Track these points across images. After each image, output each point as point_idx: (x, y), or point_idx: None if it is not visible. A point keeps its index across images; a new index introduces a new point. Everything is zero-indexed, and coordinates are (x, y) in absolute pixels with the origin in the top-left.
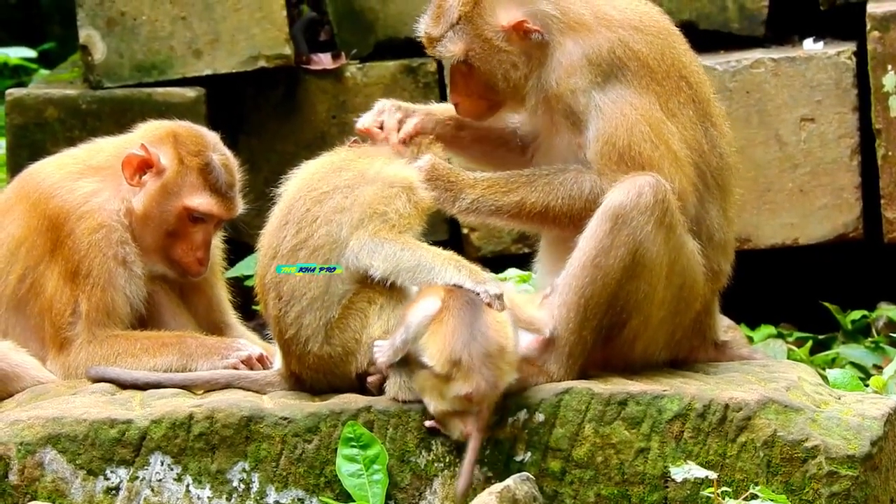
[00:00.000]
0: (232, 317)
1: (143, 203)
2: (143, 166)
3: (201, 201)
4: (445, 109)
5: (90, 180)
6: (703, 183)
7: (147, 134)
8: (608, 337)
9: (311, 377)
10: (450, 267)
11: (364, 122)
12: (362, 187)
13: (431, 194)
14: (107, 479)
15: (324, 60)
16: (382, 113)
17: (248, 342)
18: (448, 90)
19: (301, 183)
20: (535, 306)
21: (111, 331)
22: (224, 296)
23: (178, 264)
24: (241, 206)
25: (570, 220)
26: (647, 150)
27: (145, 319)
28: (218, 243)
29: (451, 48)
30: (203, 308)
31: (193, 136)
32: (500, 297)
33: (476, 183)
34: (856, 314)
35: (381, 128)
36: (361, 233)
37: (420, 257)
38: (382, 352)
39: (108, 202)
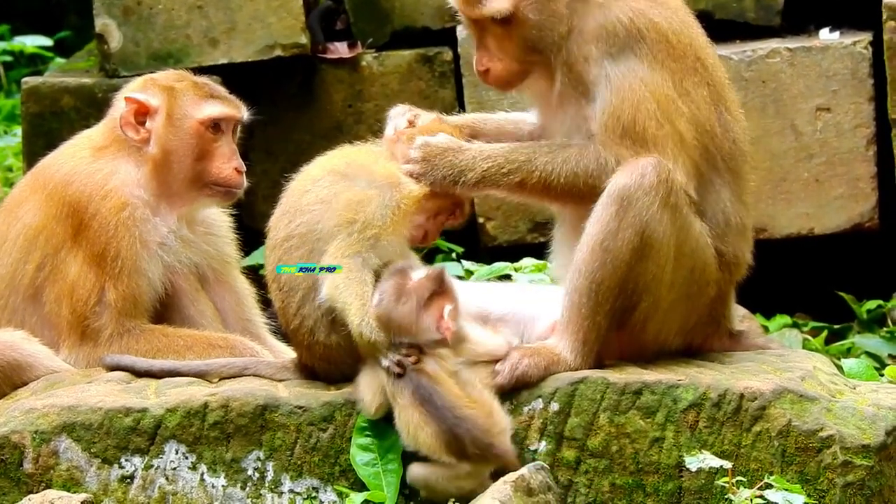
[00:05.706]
0: (255, 314)
1: (159, 145)
2: (140, 116)
3: (211, 108)
4: (457, 118)
5: (103, 161)
6: (713, 166)
7: (123, 94)
8: (621, 321)
9: (322, 368)
10: (362, 330)
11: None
12: (344, 182)
13: (431, 178)
14: (121, 467)
15: (340, 49)
16: (396, 117)
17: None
18: (475, 58)
19: (302, 174)
20: (488, 335)
21: (140, 322)
22: (246, 290)
23: (219, 184)
24: (245, 108)
25: (572, 198)
26: (652, 128)
27: (164, 303)
28: (232, 235)
29: (498, 3)
30: (230, 302)
31: (163, 73)
32: (408, 354)
33: (475, 162)
34: (871, 304)
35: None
36: (332, 245)
37: (348, 300)
38: None
39: (128, 176)
